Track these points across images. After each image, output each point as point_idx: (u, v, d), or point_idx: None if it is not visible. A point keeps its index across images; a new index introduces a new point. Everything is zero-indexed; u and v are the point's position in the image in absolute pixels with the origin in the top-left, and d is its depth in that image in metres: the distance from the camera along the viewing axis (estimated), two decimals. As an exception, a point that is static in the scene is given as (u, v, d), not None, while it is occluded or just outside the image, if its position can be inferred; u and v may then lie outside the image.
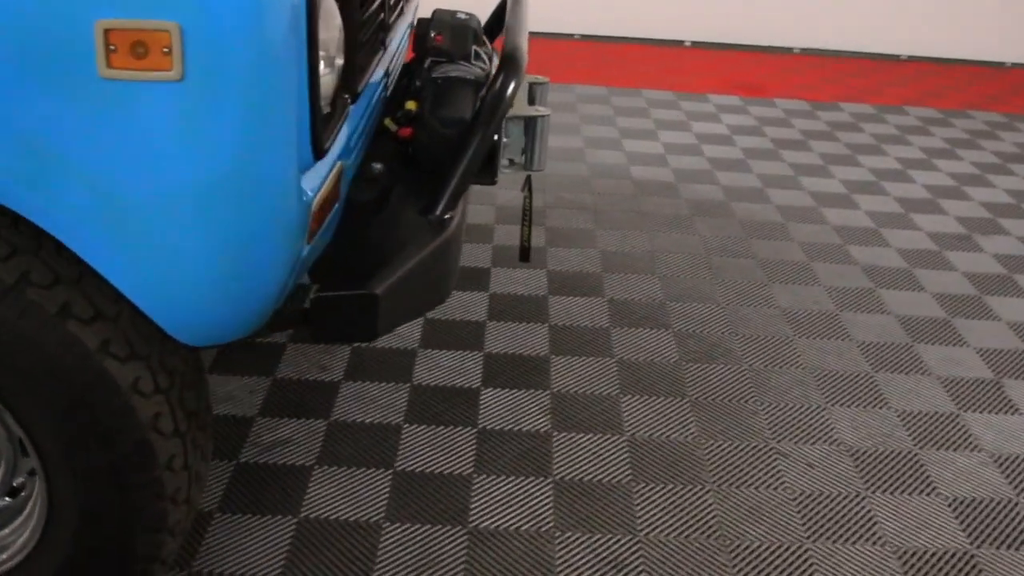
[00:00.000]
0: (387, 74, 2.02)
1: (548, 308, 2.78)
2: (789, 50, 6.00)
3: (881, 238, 3.39)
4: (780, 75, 5.46)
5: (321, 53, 1.37)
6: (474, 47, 2.02)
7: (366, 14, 1.62)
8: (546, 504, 2.02)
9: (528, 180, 2.27)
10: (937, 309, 2.90)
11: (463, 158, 1.65)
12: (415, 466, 2.10)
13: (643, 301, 2.86)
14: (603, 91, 4.98)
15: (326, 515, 1.95)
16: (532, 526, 1.95)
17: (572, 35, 6.08)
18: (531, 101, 2.26)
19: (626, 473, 2.12)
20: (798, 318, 2.81)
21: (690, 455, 2.19)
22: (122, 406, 1.34)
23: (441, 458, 2.13)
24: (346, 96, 1.54)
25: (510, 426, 2.26)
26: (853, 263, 3.18)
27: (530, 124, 1.99)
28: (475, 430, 2.24)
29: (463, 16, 2.04)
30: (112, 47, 1.13)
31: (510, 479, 2.08)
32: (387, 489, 2.03)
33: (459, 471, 2.09)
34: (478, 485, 2.06)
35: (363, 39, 1.63)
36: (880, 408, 2.41)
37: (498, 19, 2.56)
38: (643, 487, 2.08)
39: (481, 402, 2.34)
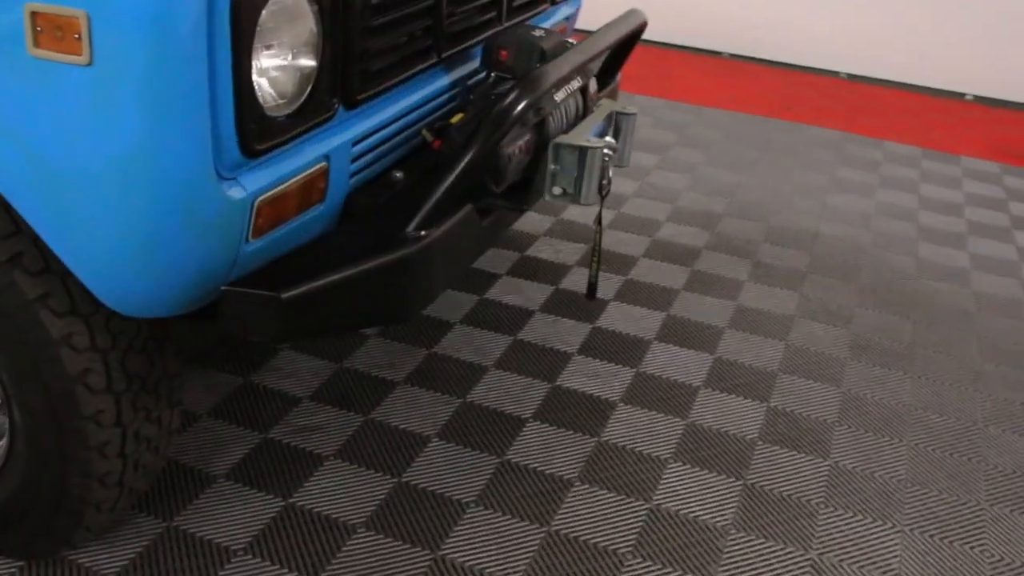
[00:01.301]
0: (458, 86, 2.00)
1: (646, 353, 2.63)
2: (1092, 119, 5.18)
3: (1086, 352, 2.84)
4: (1065, 146, 4.73)
5: (268, 52, 1.38)
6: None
7: (380, 20, 1.61)
8: (528, 552, 1.91)
9: (599, 215, 2.15)
10: (1111, 450, 2.38)
11: (448, 175, 1.60)
12: (420, 481, 2.08)
13: (753, 367, 2.61)
14: (837, 136, 4.59)
15: (312, 506, 1.99)
16: (501, 570, 1.86)
17: (838, 73, 5.66)
18: (615, 133, 2.14)
19: (629, 542, 1.95)
20: (927, 423, 2.43)
21: (710, 542, 1.97)
22: (51, 356, 1.45)
23: (449, 480, 2.09)
24: (333, 100, 1.55)
25: (536, 465, 2.16)
26: (1034, 374, 2.70)
27: (583, 155, 1.88)
28: (499, 460, 2.17)
29: (538, 34, 1.97)
30: (39, 29, 1.23)
31: (505, 517, 2.00)
32: (382, 496, 2.03)
33: (460, 496, 2.04)
34: (470, 515, 1.99)
35: (375, 47, 1.62)
36: (972, 547, 2.02)
37: (622, 47, 2.44)
38: (638, 562, 1.91)
39: (521, 434, 2.26)
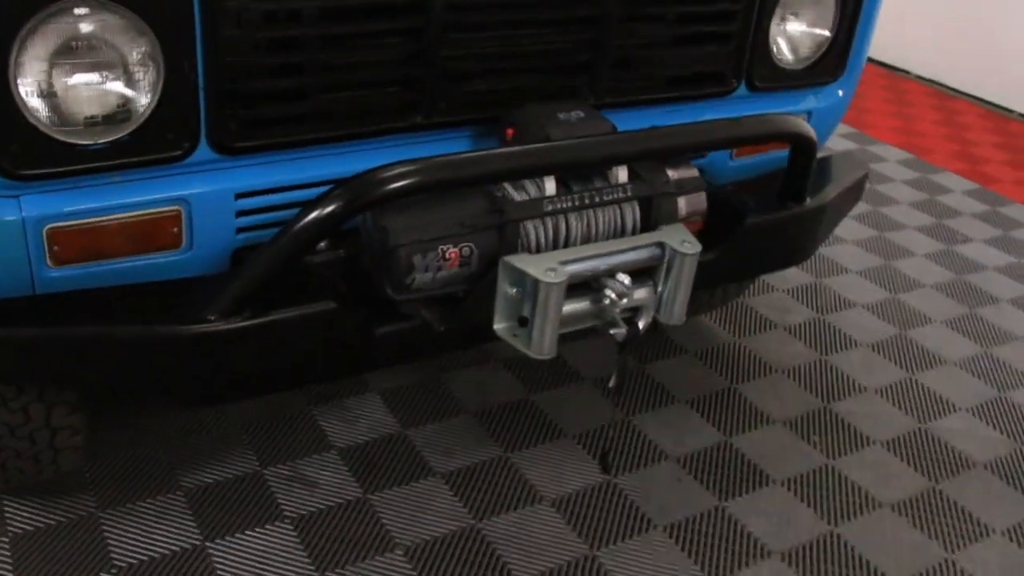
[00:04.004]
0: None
1: (743, 567, 1.94)
2: None
3: None
4: None
5: (39, 67, 1.24)
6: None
7: (284, 59, 1.37)
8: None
9: (618, 373, 1.62)
10: None
11: (261, 257, 1.31)
12: (335, 588, 1.81)
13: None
14: None
15: (217, 561, 1.84)
16: None
17: None
18: (667, 273, 1.56)
19: None
20: None
21: None
22: None
23: (363, 602, 1.79)
24: (183, 142, 1.36)
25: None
26: None
27: (535, 288, 1.41)
28: (434, 608, 1.79)
29: (566, 116, 1.50)
30: None
31: None
32: (285, 584, 1.81)
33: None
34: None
35: (270, 90, 1.39)
36: None
37: (797, 164, 1.77)
38: None
39: (492, 591, 1.84)
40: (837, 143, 4.29)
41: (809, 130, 1.69)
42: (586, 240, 1.54)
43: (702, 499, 2.13)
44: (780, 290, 3.02)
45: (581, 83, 1.68)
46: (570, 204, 1.51)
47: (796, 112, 2.04)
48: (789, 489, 2.19)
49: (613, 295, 1.47)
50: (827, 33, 1.95)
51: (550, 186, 1.49)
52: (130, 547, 1.86)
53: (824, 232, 1.99)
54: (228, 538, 1.91)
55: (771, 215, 1.82)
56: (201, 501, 1.99)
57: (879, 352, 2.75)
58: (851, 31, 1.98)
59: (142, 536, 1.89)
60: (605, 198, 1.53)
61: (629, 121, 1.76)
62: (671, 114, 1.85)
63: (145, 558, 1.84)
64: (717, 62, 1.83)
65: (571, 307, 1.48)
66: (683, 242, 1.54)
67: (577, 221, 1.53)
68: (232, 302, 1.33)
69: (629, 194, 1.55)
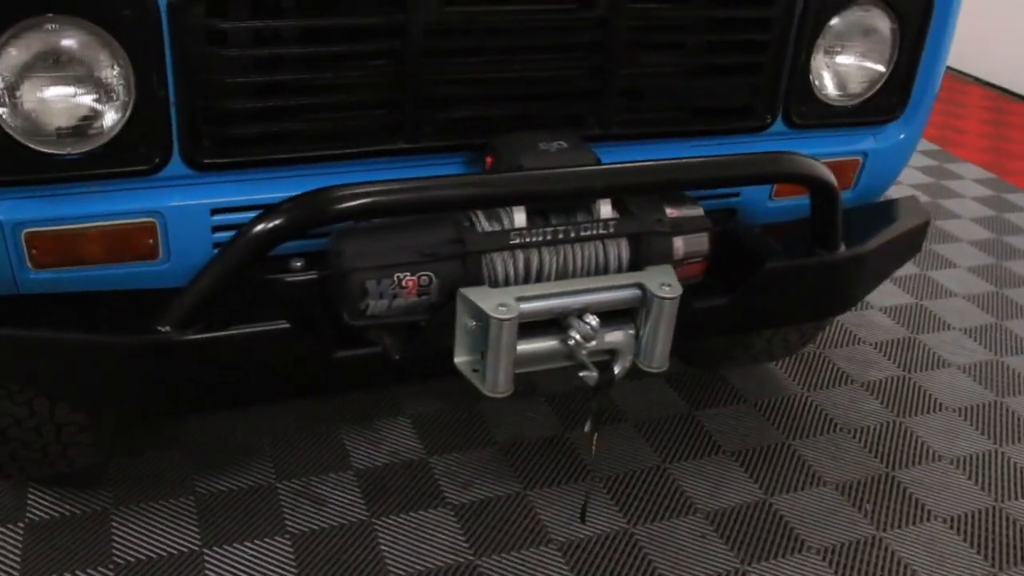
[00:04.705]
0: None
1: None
2: None
3: None
4: None
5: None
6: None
7: (255, 79, 1.38)
8: None
9: (594, 416, 1.52)
10: None
11: (207, 270, 1.32)
12: (315, 610, 1.79)
13: None
14: None
15: (211, 571, 1.86)
16: None
17: None
18: (645, 317, 1.45)
19: None
20: None
21: None
22: None
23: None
24: (153, 156, 1.38)
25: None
26: None
27: (486, 324, 1.34)
28: (409, 643, 1.74)
29: (547, 147, 1.42)
30: None
31: None
32: (267, 600, 1.80)
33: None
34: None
35: (242, 109, 1.39)
36: None
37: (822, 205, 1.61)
38: None
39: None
40: (970, 189, 3.97)
41: (824, 172, 1.54)
42: (562, 276, 1.46)
43: (722, 560, 1.99)
44: (866, 343, 2.80)
45: (586, 112, 1.61)
46: (542, 238, 1.44)
47: (848, 154, 1.89)
48: (824, 559, 2.01)
49: (578, 337, 1.39)
50: (881, 68, 1.79)
51: (519, 218, 1.43)
52: (132, 545, 1.92)
53: (866, 284, 1.82)
54: (226, 547, 1.93)
55: (794, 262, 1.68)
56: (211, 507, 2.02)
57: (966, 418, 2.50)
58: (911, 66, 1.81)
59: (146, 536, 1.94)
60: (583, 233, 1.45)
61: (644, 154, 1.67)
62: (694, 149, 1.74)
63: (143, 557, 1.89)
64: (746, 95, 1.71)
65: (532, 346, 1.41)
66: (662, 285, 1.43)
67: (551, 256, 1.46)
68: (182, 315, 1.35)
69: (612, 230, 1.47)
